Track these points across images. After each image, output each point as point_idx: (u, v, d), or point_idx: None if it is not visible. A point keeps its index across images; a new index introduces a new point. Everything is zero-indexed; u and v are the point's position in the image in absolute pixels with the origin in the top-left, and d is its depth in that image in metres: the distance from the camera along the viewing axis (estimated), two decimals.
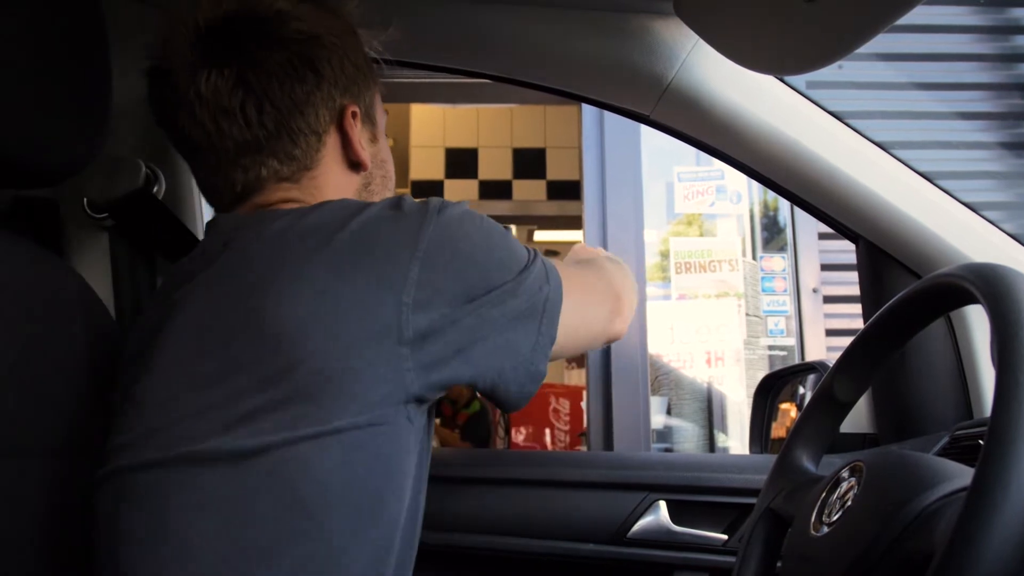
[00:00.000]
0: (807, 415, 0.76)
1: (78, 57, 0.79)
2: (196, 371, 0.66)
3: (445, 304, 0.67)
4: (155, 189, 1.07)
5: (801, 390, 1.27)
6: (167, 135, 0.81)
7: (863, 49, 0.78)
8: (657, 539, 1.08)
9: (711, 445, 2.93)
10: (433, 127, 5.36)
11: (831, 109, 1.06)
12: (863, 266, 1.15)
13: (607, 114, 2.68)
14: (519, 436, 4.14)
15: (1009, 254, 1.04)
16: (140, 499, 0.65)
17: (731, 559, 0.94)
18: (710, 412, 2.93)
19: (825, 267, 2.93)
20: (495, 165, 5.38)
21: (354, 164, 0.83)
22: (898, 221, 1.05)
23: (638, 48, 1.02)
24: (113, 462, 0.68)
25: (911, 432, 1.06)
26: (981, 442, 0.46)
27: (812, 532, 0.62)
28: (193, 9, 0.77)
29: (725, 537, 1.06)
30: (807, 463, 0.75)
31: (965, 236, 1.04)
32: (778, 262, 2.98)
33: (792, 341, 2.93)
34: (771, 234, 3.09)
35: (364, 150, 0.83)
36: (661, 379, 2.91)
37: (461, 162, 5.33)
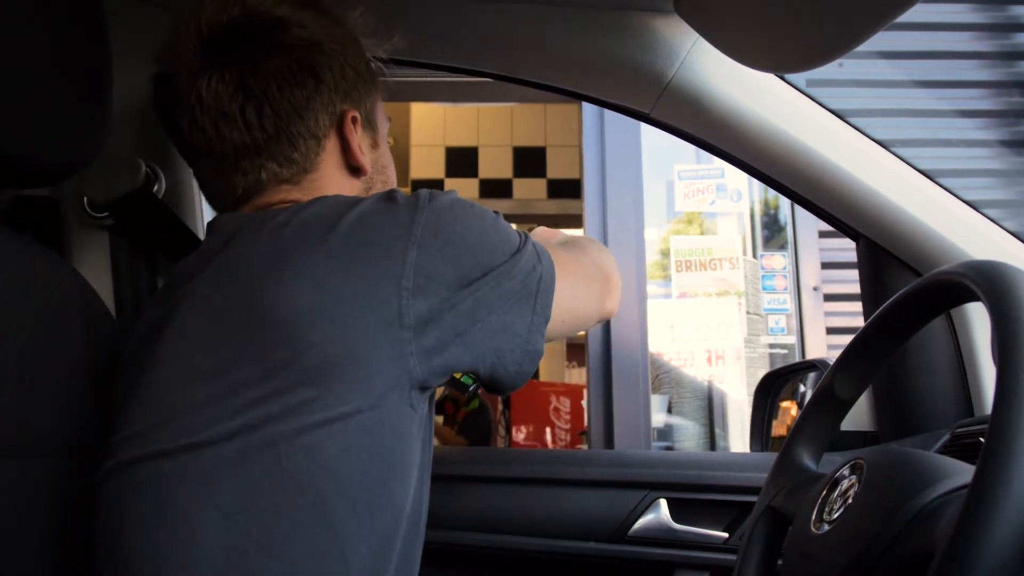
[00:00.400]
0: (808, 413, 0.77)
1: (79, 56, 0.79)
2: (198, 365, 0.67)
3: (443, 289, 0.69)
4: (155, 188, 1.07)
5: (802, 388, 1.27)
6: (171, 139, 0.82)
7: (863, 47, 0.78)
8: (658, 537, 1.09)
9: (712, 443, 2.93)
10: (433, 126, 5.36)
11: (831, 107, 1.06)
12: (864, 264, 1.15)
13: (607, 112, 2.68)
14: (520, 435, 4.14)
15: (1010, 252, 1.04)
16: (143, 491, 0.66)
17: (732, 557, 0.94)
18: (711, 410, 2.93)
19: (826, 265, 2.93)
20: (495, 164, 5.38)
21: (354, 169, 0.84)
22: (899, 219, 1.05)
23: (638, 46, 1.02)
24: (116, 457, 0.68)
25: (912, 430, 1.06)
26: (982, 439, 0.46)
27: (813, 530, 0.62)
28: (196, 9, 0.78)
29: (726, 535, 1.06)
30: (808, 461, 0.75)
31: (966, 234, 1.04)
32: (779, 260, 2.98)
33: (793, 339, 2.93)
34: (772, 232, 3.09)
35: (364, 155, 0.84)
36: (662, 377, 2.92)
37: (461, 161, 5.33)
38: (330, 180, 0.82)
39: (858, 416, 1.14)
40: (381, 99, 0.90)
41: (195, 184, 1.10)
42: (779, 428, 1.30)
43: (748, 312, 2.93)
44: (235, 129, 0.77)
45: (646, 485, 1.11)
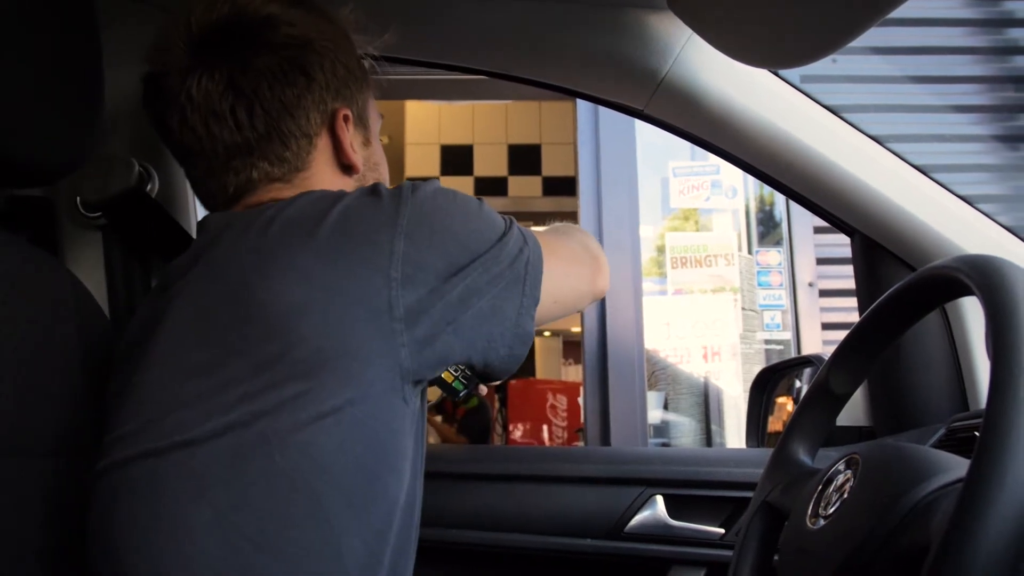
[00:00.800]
0: (803, 408, 0.77)
1: (72, 56, 0.79)
2: (189, 362, 0.67)
3: (432, 278, 0.69)
4: (148, 188, 1.07)
5: (797, 384, 1.27)
6: (161, 139, 0.82)
7: (857, 42, 0.78)
8: (654, 534, 1.09)
9: (708, 439, 2.93)
10: (428, 124, 5.36)
11: (826, 103, 1.06)
12: (858, 259, 1.15)
13: (602, 109, 2.68)
14: (516, 432, 4.15)
15: (1004, 247, 1.04)
16: (137, 488, 0.66)
17: (728, 553, 0.94)
18: (707, 407, 2.94)
19: (821, 261, 2.94)
20: (490, 162, 5.38)
21: (346, 167, 0.84)
22: (893, 214, 1.06)
23: (632, 43, 1.02)
24: (109, 456, 0.68)
25: (907, 425, 1.06)
26: (977, 434, 0.46)
27: (808, 525, 0.62)
28: (187, 9, 0.78)
29: (722, 531, 1.07)
30: (803, 456, 0.75)
31: (960, 229, 1.04)
32: (774, 256, 2.99)
33: (788, 335, 2.94)
34: (767, 228, 3.09)
35: (356, 153, 0.84)
36: (658, 374, 2.92)
37: (456, 159, 5.33)
38: (322, 178, 0.81)
39: (853, 411, 1.14)
40: (373, 96, 0.89)
41: (188, 183, 1.09)
42: (775, 424, 1.30)
43: (744, 308, 2.93)
44: (226, 128, 0.77)
45: (642, 482, 1.11)
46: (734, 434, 2.91)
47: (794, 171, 1.07)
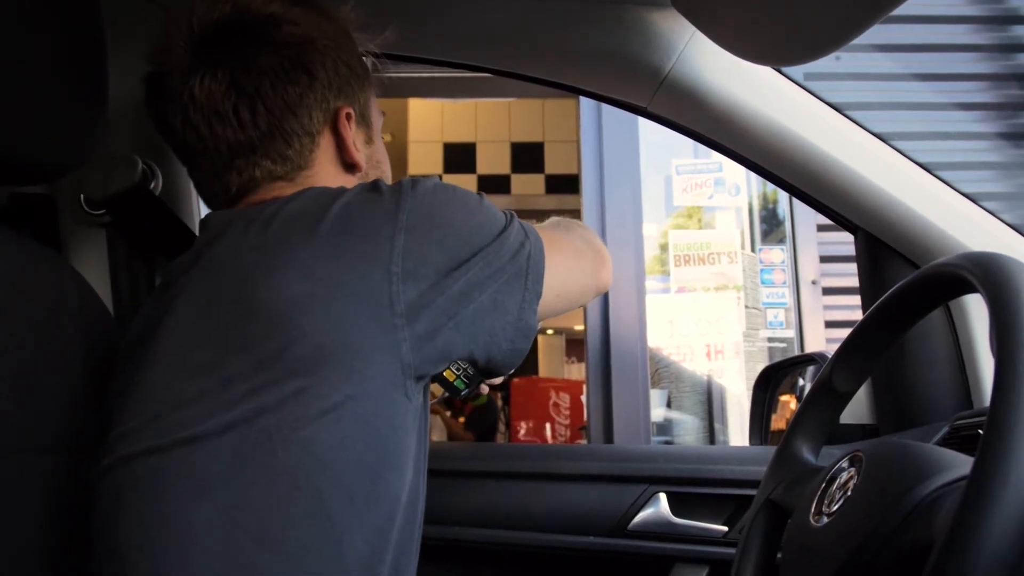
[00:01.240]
0: (806, 406, 0.77)
1: (75, 53, 0.79)
2: (191, 360, 0.67)
3: (432, 273, 0.69)
4: (152, 185, 1.07)
5: (800, 382, 1.27)
6: (164, 139, 0.82)
7: (860, 39, 0.78)
8: (658, 531, 1.09)
9: (711, 437, 2.93)
10: (431, 122, 5.36)
11: (829, 100, 1.06)
12: (862, 257, 1.15)
13: (605, 107, 2.67)
14: (520, 430, 4.15)
15: (1009, 244, 1.04)
16: (140, 486, 0.66)
17: (731, 551, 0.94)
18: (710, 405, 2.94)
19: (824, 259, 2.93)
20: (493, 159, 5.38)
21: (348, 165, 0.84)
22: (897, 212, 1.05)
23: (635, 40, 1.02)
24: (112, 454, 0.68)
25: (911, 422, 1.06)
26: (981, 432, 0.46)
27: (812, 523, 0.62)
28: (189, 8, 0.78)
29: (725, 529, 1.07)
30: (807, 454, 0.75)
31: (964, 226, 1.04)
32: (777, 254, 2.98)
33: (791, 333, 2.93)
34: (770, 226, 3.09)
35: (358, 151, 0.84)
36: (661, 372, 2.92)
37: (459, 157, 5.33)
38: (325, 177, 0.81)
39: (857, 409, 1.14)
40: (375, 95, 0.89)
41: (192, 181, 1.10)
42: (778, 422, 1.30)
43: (747, 306, 2.93)
44: (228, 127, 0.77)
45: (645, 479, 1.11)
46: (737, 432, 2.91)
47: (797, 168, 1.07)
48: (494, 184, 5.28)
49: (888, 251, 1.10)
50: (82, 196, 1.04)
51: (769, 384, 1.34)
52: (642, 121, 1.13)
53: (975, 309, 1.05)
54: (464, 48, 1.11)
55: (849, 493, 0.60)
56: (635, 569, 1.12)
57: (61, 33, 0.77)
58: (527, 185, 5.32)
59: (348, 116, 0.82)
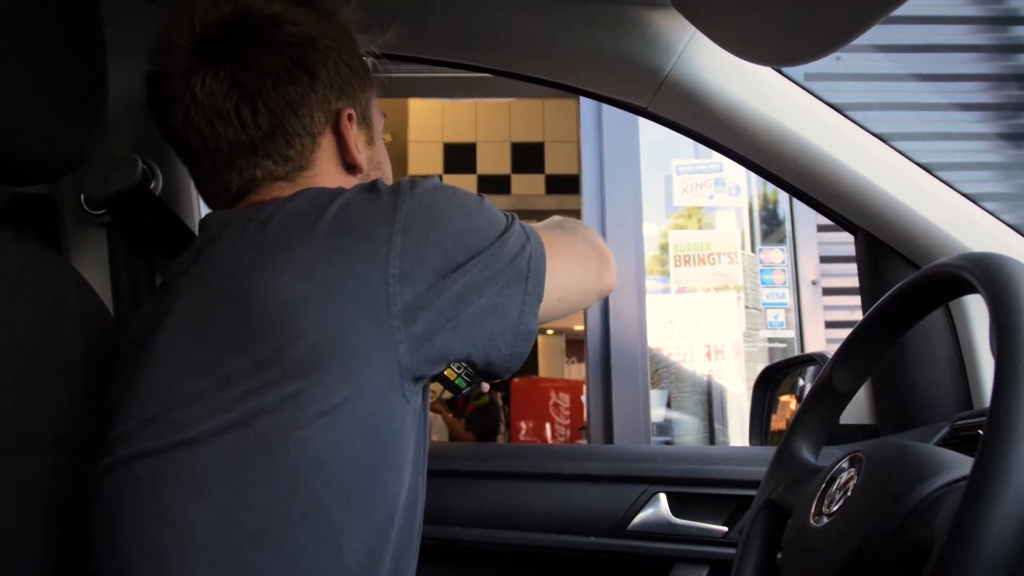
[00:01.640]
0: (806, 407, 0.76)
1: (75, 53, 0.79)
2: (190, 360, 0.67)
3: (430, 275, 0.69)
4: (152, 185, 1.07)
5: (800, 382, 1.27)
6: (165, 139, 0.82)
7: (861, 40, 0.78)
8: (657, 531, 1.09)
9: (711, 438, 2.93)
10: (431, 122, 5.35)
11: (830, 100, 1.06)
12: (862, 257, 1.15)
13: (605, 107, 2.67)
14: (520, 430, 4.15)
15: (1009, 245, 1.04)
16: (139, 487, 0.66)
17: (731, 551, 0.94)
18: (710, 405, 2.94)
19: (824, 259, 2.93)
20: (493, 160, 5.37)
21: (350, 166, 0.84)
22: (897, 212, 1.05)
23: (635, 40, 1.02)
24: (112, 455, 0.68)
25: (911, 423, 1.06)
26: (981, 432, 0.46)
27: (812, 523, 0.62)
28: (190, 8, 0.78)
29: (725, 529, 1.06)
30: (807, 454, 0.75)
31: (965, 227, 1.04)
32: (777, 254, 2.98)
33: (792, 333, 2.93)
34: (770, 226, 3.09)
35: (360, 152, 0.84)
36: (661, 372, 2.92)
37: (459, 157, 5.32)
38: (325, 177, 0.81)
39: (857, 409, 1.14)
40: (376, 95, 0.89)
41: (192, 181, 1.10)
42: (778, 422, 1.30)
43: (747, 306, 2.93)
44: (230, 127, 0.77)
45: (645, 480, 1.11)
46: (737, 432, 2.91)
47: (798, 168, 1.07)
48: (494, 184, 5.28)
49: (888, 251, 1.10)
50: (82, 196, 1.04)
51: (769, 384, 1.34)
52: (642, 121, 1.13)
53: (975, 309, 1.05)
54: (464, 48, 1.11)
55: (849, 493, 0.60)
56: (635, 569, 1.12)
57: (61, 33, 0.77)
58: (527, 185, 5.32)
59: (350, 117, 0.82)
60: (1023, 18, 2.89)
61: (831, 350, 0.77)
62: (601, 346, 2.73)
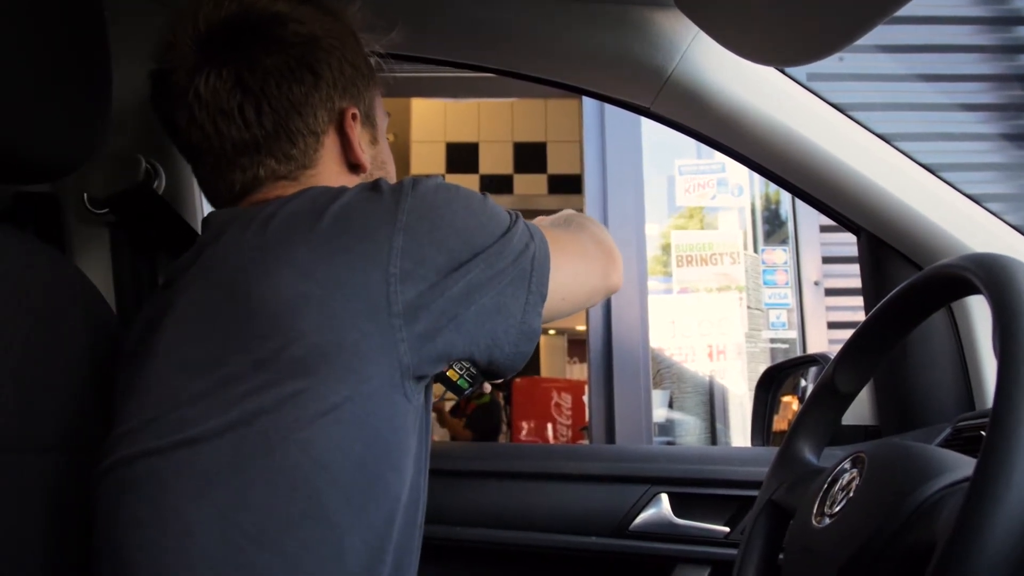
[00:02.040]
0: (809, 407, 0.76)
1: (79, 52, 0.79)
2: (191, 359, 0.67)
3: (432, 274, 0.69)
4: (155, 184, 1.07)
5: (803, 383, 1.27)
6: (168, 136, 0.82)
7: (864, 40, 0.78)
8: (659, 532, 1.09)
9: (713, 438, 2.93)
10: (434, 122, 5.36)
11: (833, 101, 1.06)
12: (865, 258, 1.14)
13: (608, 107, 2.68)
14: (521, 431, 4.15)
15: (1012, 245, 1.04)
16: (140, 487, 0.66)
17: (733, 552, 0.94)
18: (712, 405, 2.93)
19: (827, 260, 2.93)
20: (496, 159, 5.38)
21: (353, 166, 0.84)
22: (900, 212, 1.05)
23: (638, 40, 1.02)
24: (113, 454, 0.68)
25: (913, 424, 1.06)
26: (983, 433, 0.46)
27: (814, 524, 0.62)
28: (194, 6, 0.78)
29: (727, 530, 1.06)
30: (809, 455, 0.75)
31: (968, 227, 1.04)
32: (780, 255, 2.98)
33: (794, 334, 2.93)
34: (772, 227, 3.09)
35: (364, 152, 0.84)
36: (663, 373, 2.92)
37: (462, 157, 5.33)
38: (329, 177, 0.81)
39: (859, 410, 1.14)
40: (380, 95, 0.89)
41: (195, 180, 1.10)
42: (780, 423, 1.30)
43: (749, 307, 2.93)
44: (234, 126, 0.77)
45: (647, 480, 1.11)
46: (739, 433, 2.91)
47: (800, 169, 1.07)
48: (497, 184, 5.28)
49: (891, 252, 1.10)
50: (86, 195, 1.04)
51: (771, 385, 1.34)
52: (645, 121, 1.13)
53: (978, 310, 1.05)
54: (468, 48, 1.11)
55: (851, 494, 0.60)
56: (637, 570, 1.12)
57: (64, 32, 0.77)
58: (530, 185, 5.32)
59: (353, 116, 0.82)
60: None
61: (833, 351, 0.77)
62: (603, 346, 2.73)
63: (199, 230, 1.09)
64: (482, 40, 1.08)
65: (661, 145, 2.92)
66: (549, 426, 4.13)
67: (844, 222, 1.12)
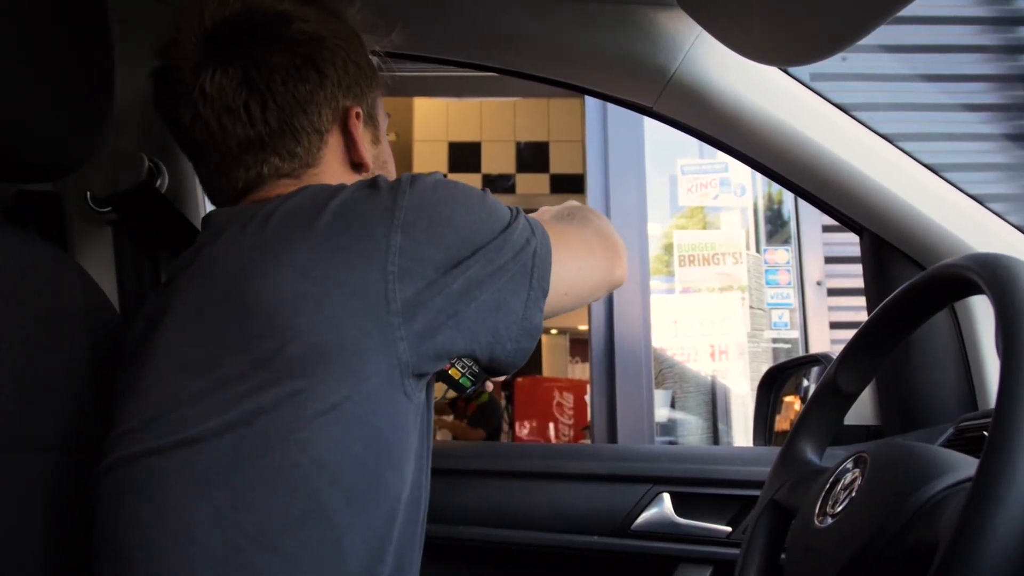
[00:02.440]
0: (811, 407, 0.76)
1: (81, 51, 0.79)
2: (190, 359, 0.67)
3: (430, 271, 0.68)
4: (158, 183, 1.07)
5: (805, 383, 1.27)
6: (171, 134, 0.82)
7: (866, 40, 0.78)
8: (661, 531, 1.09)
9: (715, 438, 2.93)
10: (436, 121, 5.36)
11: (836, 101, 1.06)
12: (867, 258, 1.14)
13: (610, 107, 2.68)
14: (523, 430, 4.15)
15: (1015, 246, 1.04)
16: (140, 487, 0.66)
17: (735, 551, 0.94)
18: (714, 405, 2.93)
19: (829, 259, 2.93)
20: (498, 159, 5.38)
21: (356, 165, 0.84)
22: (903, 213, 1.05)
23: (641, 40, 1.02)
24: (113, 454, 0.68)
25: (915, 424, 1.06)
26: (986, 433, 0.46)
27: (816, 523, 0.62)
28: (199, 5, 0.78)
29: (729, 529, 1.06)
30: (811, 455, 0.75)
31: (970, 227, 1.04)
32: (782, 255, 2.98)
33: (796, 334, 2.93)
34: (775, 227, 3.09)
35: (367, 151, 0.84)
36: (665, 372, 2.92)
37: (464, 156, 5.33)
38: (331, 175, 0.81)
39: (861, 410, 1.14)
40: (381, 95, 0.89)
41: (197, 179, 1.10)
42: (782, 423, 1.30)
43: (751, 307, 2.93)
44: (239, 123, 0.77)
45: (649, 479, 1.11)
46: (741, 432, 2.90)
47: (803, 169, 1.07)
48: (499, 184, 5.28)
49: (893, 252, 1.10)
50: (88, 194, 1.04)
51: (773, 385, 1.34)
52: (647, 121, 1.13)
53: (980, 310, 1.05)
54: (470, 47, 1.11)
55: (853, 494, 0.60)
56: (639, 569, 1.12)
57: (67, 30, 0.77)
58: (532, 185, 5.32)
59: (357, 115, 0.83)
60: None
61: (836, 351, 0.77)
62: (605, 346, 2.73)
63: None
64: (485, 40, 1.08)
65: (664, 145, 2.92)
66: (551, 425, 4.13)
67: (847, 222, 1.12)
